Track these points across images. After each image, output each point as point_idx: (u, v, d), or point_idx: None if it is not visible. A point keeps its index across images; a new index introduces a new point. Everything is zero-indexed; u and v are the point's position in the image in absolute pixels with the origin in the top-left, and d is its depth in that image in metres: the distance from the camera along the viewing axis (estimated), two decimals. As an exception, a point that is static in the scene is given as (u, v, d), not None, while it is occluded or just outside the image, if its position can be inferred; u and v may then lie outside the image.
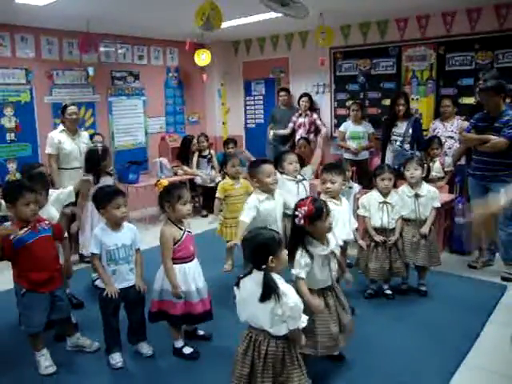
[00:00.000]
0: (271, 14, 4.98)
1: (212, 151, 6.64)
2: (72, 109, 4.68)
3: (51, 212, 3.16)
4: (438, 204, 3.67)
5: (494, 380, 2.63)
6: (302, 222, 2.34)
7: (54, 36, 5.79)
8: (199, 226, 4.79)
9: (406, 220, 3.63)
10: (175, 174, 6.27)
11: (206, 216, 6.00)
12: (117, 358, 2.79)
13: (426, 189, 3.65)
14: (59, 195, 3.47)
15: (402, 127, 5.14)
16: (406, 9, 5.24)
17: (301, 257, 2.34)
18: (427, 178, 3.88)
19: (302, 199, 2.46)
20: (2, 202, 2.85)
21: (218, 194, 3.92)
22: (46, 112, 5.77)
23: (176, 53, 7.18)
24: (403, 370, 2.68)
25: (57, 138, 4.65)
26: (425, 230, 3.57)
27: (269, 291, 1.97)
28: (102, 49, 6.22)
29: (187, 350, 2.86)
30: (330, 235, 2.46)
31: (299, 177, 3.77)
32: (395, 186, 3.70)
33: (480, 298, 3.57)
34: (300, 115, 6.37)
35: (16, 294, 2.75)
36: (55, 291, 2.73)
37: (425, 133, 5.36)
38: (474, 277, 4.03)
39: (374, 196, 3.60)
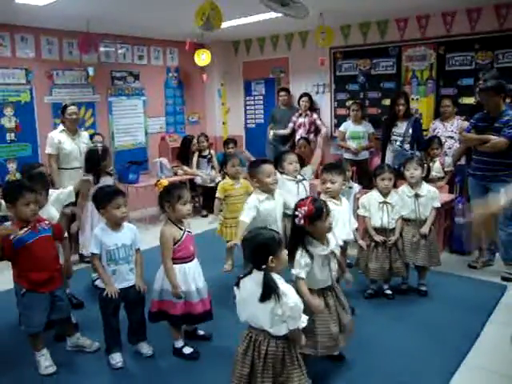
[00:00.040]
0: (271, 13, 4.98)
1: (212, 151, 6.63)
2: (72, 109, 4.68)
3: (51, 212, 3.16)
4: (438, 204, 3.67)
5: (494, 380, 2.63)
6: (302, 221, 2.34)
7: (53, 36, 5.78)
8: (199, 225, 4.78)
9: (406, 220, 3.63)
10: (175, 174, 6.27)
11: (205, 216, 6.00)
12: (117, 358, 2.79)
13: (426, 189, 3.65)
14: (59, 195, 3.47)
15: (402, 127, 5.14)
16: (405, 9, 5.24)
17: (301, 257, 2.34)
18: (427, 178, 3.88)
19: (302, 199, 2.46)
20: (2, 202, 2.85)
21: (217, 194, 3.92)
22: (46, 112, 5.77)
23: (176, 53, 7.17)
24: (403, 370, 2.68)
25: (57, 137, 4.65)
26: (425, 229, 3.57)
27: (269, 291, 1.97)
28: (101, 49, 6.21)
29: (187, 350, 2.86)
30: (330, 235, 2.46)
31: (299, 177, 3.77)
32: (395, 185, 3.70)
33: (480, 298, 3.56)
34: (300, 115, 6.37)
35: (16, 294, 2.75)
36: (55, 291, 2.73)
37: (425, 133, 5.36)
38: (473, 277, 4.03)
39: (374, 196, 3.60)
